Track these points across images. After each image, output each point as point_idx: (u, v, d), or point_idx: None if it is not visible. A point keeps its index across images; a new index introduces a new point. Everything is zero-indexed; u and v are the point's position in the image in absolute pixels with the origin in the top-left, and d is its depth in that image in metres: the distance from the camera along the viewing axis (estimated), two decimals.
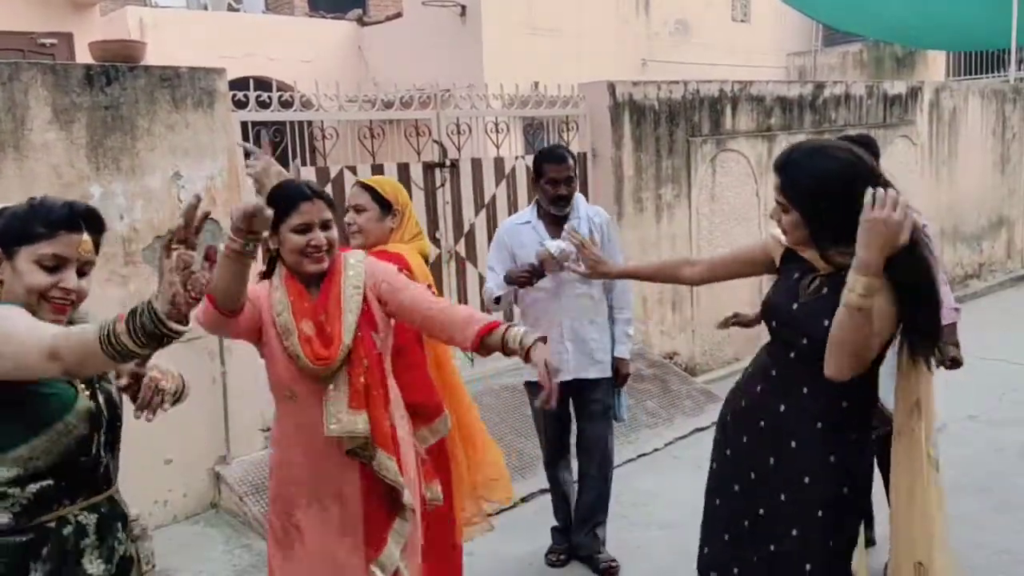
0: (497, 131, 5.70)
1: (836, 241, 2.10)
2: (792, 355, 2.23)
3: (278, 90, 4.62)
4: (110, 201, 3.85)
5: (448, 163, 5.37)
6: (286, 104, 4.67)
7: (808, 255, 2.21)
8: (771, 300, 2.33)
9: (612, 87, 6.08)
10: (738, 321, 3.58)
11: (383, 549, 2.38)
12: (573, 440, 3.93)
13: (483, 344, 2.20)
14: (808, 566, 2.18)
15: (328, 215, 2.31)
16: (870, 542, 3.78)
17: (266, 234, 2.11)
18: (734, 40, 13.52)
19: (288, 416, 2.38)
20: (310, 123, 5.32)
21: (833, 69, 14.41)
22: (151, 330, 1.49)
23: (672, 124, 6.41)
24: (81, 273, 1.80)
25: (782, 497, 2.22)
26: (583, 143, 6.13)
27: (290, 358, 2.27)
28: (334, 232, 2.33)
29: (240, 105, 4.43)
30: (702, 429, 5.53)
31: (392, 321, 2.44)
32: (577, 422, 3.85)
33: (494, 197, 5.69)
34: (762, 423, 2.28)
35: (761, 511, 2.26)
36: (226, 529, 4.20)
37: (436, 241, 5.40)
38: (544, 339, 2.19)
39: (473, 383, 5.52)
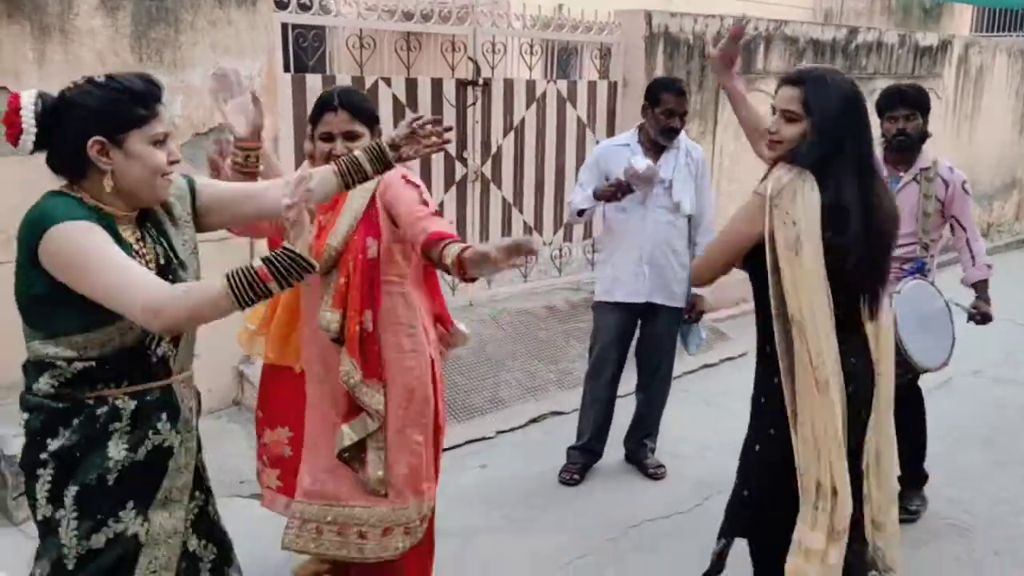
0: (532, 53, 5.63)
1: (824, 159, 2.20)
2: None
3: None
4: None
5: (481, 81, 5.32)
6: (326, 9, 4.60)
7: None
8: None
9: (649, 16, 5.99)
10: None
11: (347, 423, 2.52)
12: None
13: (424, 253, 2.28)
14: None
15: (352, 127, 2.39)
16: None
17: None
18: None
19: (306, 301, 2.58)
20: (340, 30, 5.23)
21: (860, 14, 14.16)
22: (298, 268, 1.70)
23: (704, 59, 6.33)
24: None
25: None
26: (615, 71, 6.07)
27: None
28: (359, 142, 2.38)
29: (282, 6, 4.36)
30: (710, 365, 5.64)
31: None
32: (642, 342, 4.01)
33: (523, 120, 5.65)
34: None
35: None
36: (248, 425, 4.29)
37: (463, 160, 5.39)
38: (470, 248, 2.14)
39: (488, 306, 5.60)
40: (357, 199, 2.43)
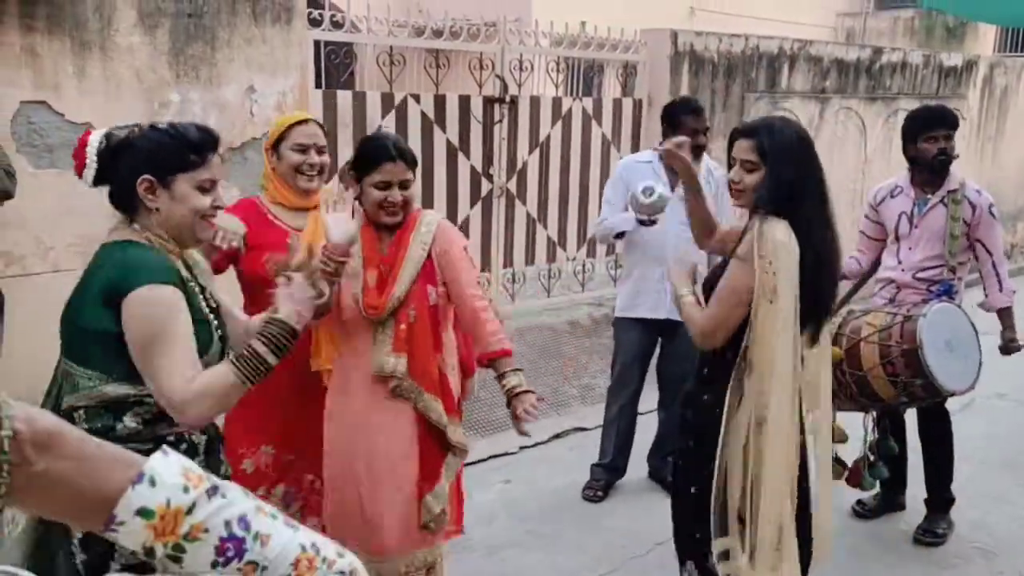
0: (558, 71, 5.69)
1: (785, 200, 2.34)
2: None
3: (330, 11, 4.61)
4: (187, 109, 3.90)
5: (508, 99, 5.37)
6: (356, 27, 4.67)
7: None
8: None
9: (674, 35, 6.03)
10: None
11: (437, 483, 2.55)
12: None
13: (491, 364, 2.51)
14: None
15: (407, 175, 2.50)
16: (899, 506, 3.91)
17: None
18: None
19: (349, 351, 2.54)
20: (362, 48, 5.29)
21: (882, 34, 14.17)
22: (288, 336, 1.87)
23: (729, 78, 6.37)
24: None
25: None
26: (640, 89, 6.11)
27: (354, 300, 2.47)
28: (411, 191, 2.52)
29: (315, 24, 4.44)
30: None
31: None
32: (663, 358, 4.03)
33: (549, 137, 5.70)
34: None
35: None
36: None
37: (489, 176, 5.44)
38: (532, 392, 2.49)
39: (512, 319, 5.63)
40: (417, 249, 2.51)
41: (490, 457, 4.39)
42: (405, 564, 2.58)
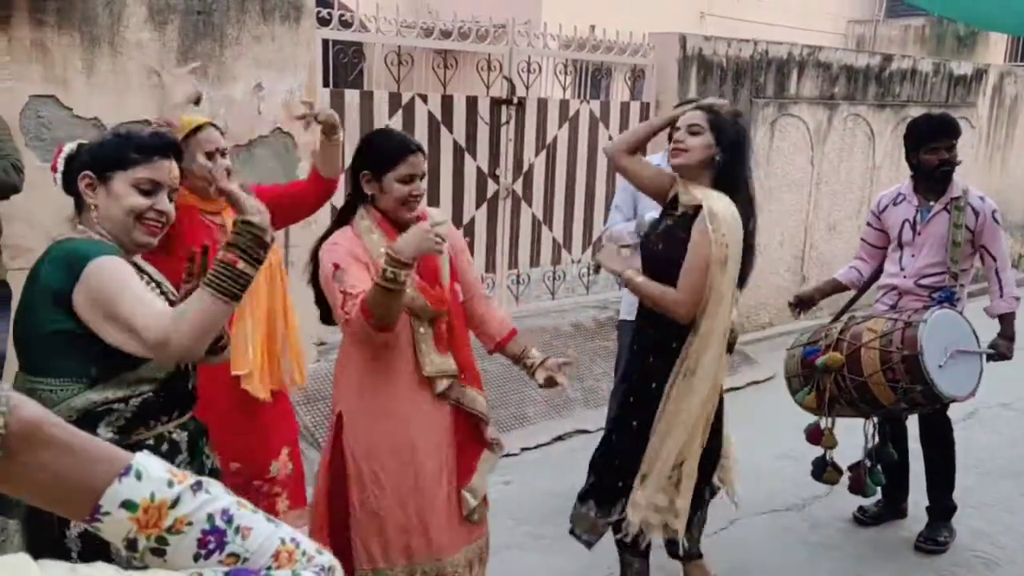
0: (566, 73, 5.69)
1: (722, 173, 2.69)
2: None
3: (339, 10, 4.62)
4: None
5: (515, 100, 5.38)
6: (365, 26, 4.68)
7: (681, 188, 2.74)
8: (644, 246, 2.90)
9: (683, 39, 6.03)
10: (801, 301, 3.77)
11: (472, 477, 2.57)
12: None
13: (504, 350, 2.65)
14: None
15: (425, 167, 2.48)
16: (901, 513, 3.90)
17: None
18: (795, 2, 13.26)
19: (384, 359, 2.44)
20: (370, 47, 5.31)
21: (893, 42, 14.14)
22: (257, 236, 1.70)
23: (737, 83, 6.37)
24: (168, 197, 1.92)
25: None
26: (648, 93, 6.12)
27: (408, 299, 2.36)
28: (425, 183, 2.51)
29: (323, 23, 4.46)
30: (736, 389, 5.63)
31: None
32: None
33: (555, 139, 5.71)
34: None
35: None
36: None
37: (495, 177, 5.45)
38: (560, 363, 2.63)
39: (516, 320, 5.63)
40: (444, 246, 2.50)
41: None
42: (466, 557, 2.59)
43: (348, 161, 2.62)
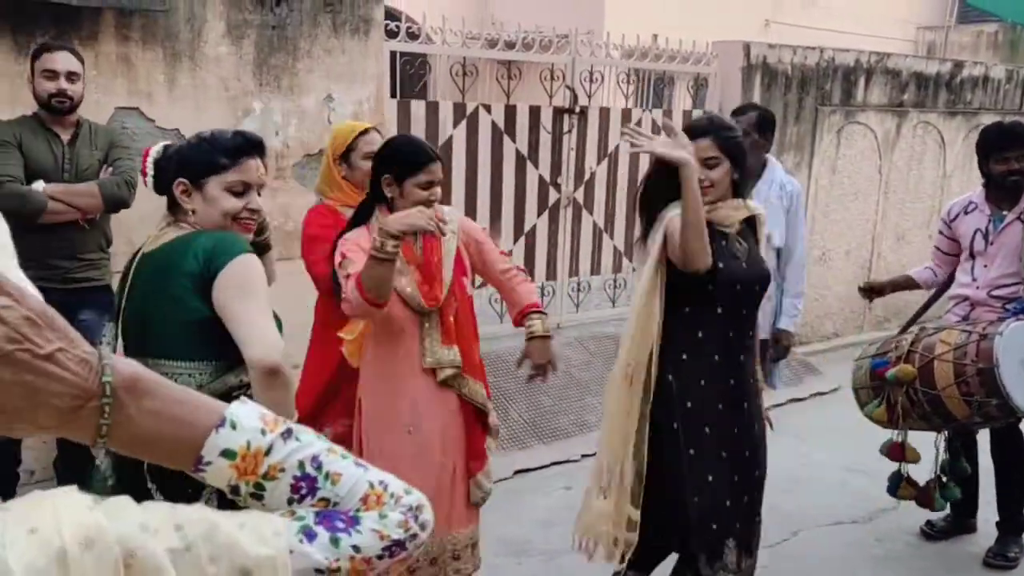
0: (628, 82, 5.71)
1: (740, 188, 2.67)
2: (745, 311, 2.66)
3: (406, 23, 4.73)
4: (268, 117, 4.05)
5: (577, 109, 5.42)
6: (430, 38, 4.78)
7: (718, 215, 2.60)
8: (725, 270, 2.60)
9: (747, 47, 6.00)
10: (872, 288, 3.73)
11: (486, 462, 2.72)
12: None
13: (523, 320, 2.77)
14: None
15: (441, 175, 2.62)
16: (970, 528, 3.82)
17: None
18: (863, 8, 13.02)
19: (392, 349, 2.60)
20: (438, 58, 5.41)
21: (964, 48, 13.78)
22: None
23: (802, 91, 6.31)
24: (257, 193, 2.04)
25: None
26: (711, 102, 6.09)
27: (401, 299, 2.52)
28: (439, 189, 2.64)
29: (391, 35, 4.56)
30: (799, 400, 5.57)
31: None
32: None
33: (617, 148, 5.73)
34: (732, 382, 2.66)
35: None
36: None
37: (556, 186, 5.49)
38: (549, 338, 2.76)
39: (577, 328, 5.66)
40: (450, 242, 2.64)
41: (551, 464, 4.43)
42: (454, 542, 2.67)
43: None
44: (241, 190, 1.97)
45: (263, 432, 0.81)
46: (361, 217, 2.62)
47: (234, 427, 0.80)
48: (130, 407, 0.76)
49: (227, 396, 1.87)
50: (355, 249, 2.47)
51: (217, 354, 1.88)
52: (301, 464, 0.81)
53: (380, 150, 2.67)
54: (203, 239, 1.90)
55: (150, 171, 2.01)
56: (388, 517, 0.84)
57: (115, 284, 3.36)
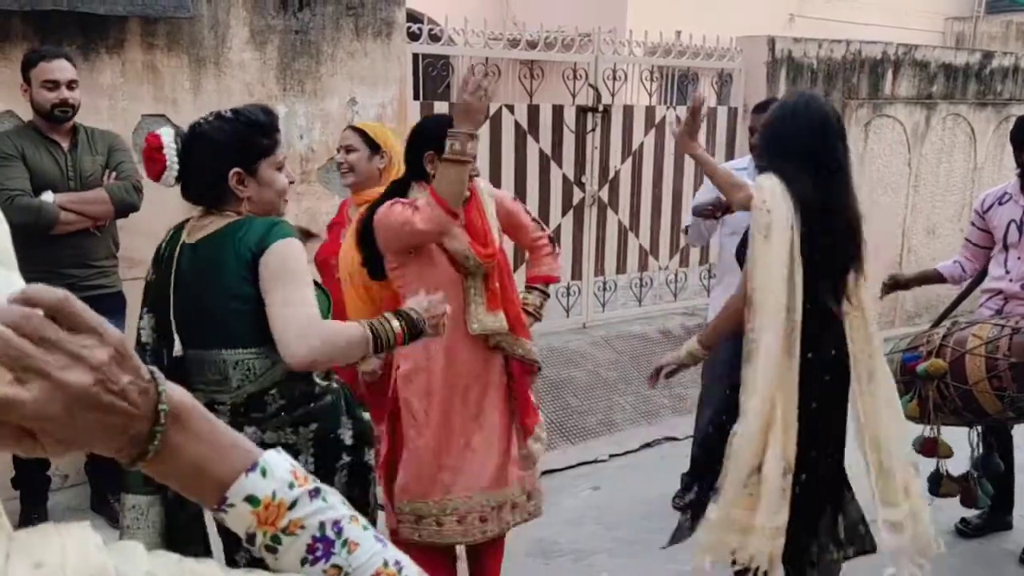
0: (652, 79, 5.68)
1: (773, 161, 2.60)
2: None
3: (428, 25, 4.73)
4: (292, 121, 4.08)
5: (601, 108, 5.40)
6: (453, 40, 4.79)
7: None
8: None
9: (772, 42, 5.95)
10: (896, 283, 3.67)
11: (539, 419, 2.77)
12: None
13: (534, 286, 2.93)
14: None
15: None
16: (1006, 525, 3.75)
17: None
18: (889, 0, 12.86)
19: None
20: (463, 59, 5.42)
21: (994, 38, 13.55)
22: (414, 331, 1.92)
23: (829, 84, 6.24)
24: None
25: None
26: (736, 98, 6.05)
27: (451, 260, 2.57)
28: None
29: (413, 37, 4.58)
30: None
31: None
32: None
33: (642, 146, 5.70)
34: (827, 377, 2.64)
35: None
36: None
37: (581, 185, 5.48)
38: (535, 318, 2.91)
39: (603, 328, 5.64)
40: (491, 206, 2.71)
41: (579, 464, 4.41)
42: (498, 499, 2.73)
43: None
44: (282, 165, 1.99)
45: (291, 485, 0.79)
46: (394, 193, 2.63)
47: (264, 474, 0.79)
48: (172, 436, 0.75)
49: (287, 383, 1.90)
50: (406, 202, 2.51)
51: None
52: (322, 525, 0.80)
53: (415, 130, 2.70)
54: (256, 225, 1.87)
55: (174, 163, 1.89)
56: None
57: (122, 286, 3.45)
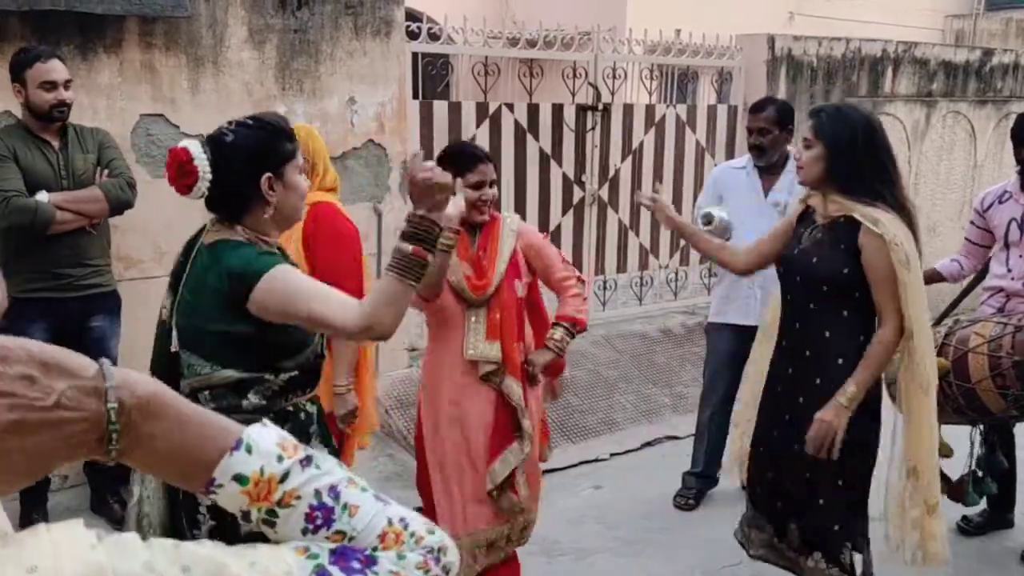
0: (652, 78, 5.67)
1: (843, 181, 2.53)
2: (813, 306, 2.64)
3: (427, 24, 4.72)
4: (291, 120, 4.04)
5: (600, 106, 5.39)
6: (452, 39, 4.77)
7: (813, 201, 2.65)
8: (782, 253, 2.76)
9: (772, 40, 5.94)
10: None
11: (496, 459, 2.75)
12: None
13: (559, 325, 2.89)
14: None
15: (494, 175, 2.73)
16: (1007, 523, 3.75)
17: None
18: None
19: (442, 340, 2.77)
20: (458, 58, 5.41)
21: (994, 36, 13.54)
22: (426, 233, 1.83)
23: (829, 83, 6.23)
24: None
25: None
26: (735, 96, 6.04)
27: (452, 291, 2.65)
28: (495, 189, 2.77)
29: (412, 36, 4.56)
30: None
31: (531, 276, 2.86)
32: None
33: (642, 144, 5.69)
34: (791, 370, 2.73)
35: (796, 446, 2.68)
36: (371, 439, 4.46)
37: (581, 184, 5.46)
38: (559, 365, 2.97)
39: (604, 326, 5.63)
40: (507, 243, 2.74)
41: (580, 463, 4.40)
42: (485, 537, 2.79)
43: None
44: (303, 169, 2.01)
45: (280, 458, 0.78)
46: None
47: (249, 451, 0.77)
48: (143, 427, 0.73)
49: (243, 383, 1.89)
50: None
51: (240, 362, 1.88)
52: (318, 493, 0.78)
53: (436, 157, 2.72)
54: (228, 258, 1.86)
55: (207, 173, 1.84)
56: (407, 558, 0.79)
57: (120, 288, 3.44)
